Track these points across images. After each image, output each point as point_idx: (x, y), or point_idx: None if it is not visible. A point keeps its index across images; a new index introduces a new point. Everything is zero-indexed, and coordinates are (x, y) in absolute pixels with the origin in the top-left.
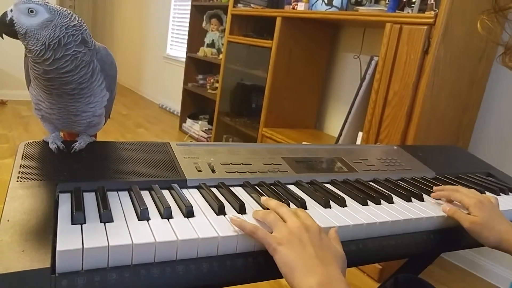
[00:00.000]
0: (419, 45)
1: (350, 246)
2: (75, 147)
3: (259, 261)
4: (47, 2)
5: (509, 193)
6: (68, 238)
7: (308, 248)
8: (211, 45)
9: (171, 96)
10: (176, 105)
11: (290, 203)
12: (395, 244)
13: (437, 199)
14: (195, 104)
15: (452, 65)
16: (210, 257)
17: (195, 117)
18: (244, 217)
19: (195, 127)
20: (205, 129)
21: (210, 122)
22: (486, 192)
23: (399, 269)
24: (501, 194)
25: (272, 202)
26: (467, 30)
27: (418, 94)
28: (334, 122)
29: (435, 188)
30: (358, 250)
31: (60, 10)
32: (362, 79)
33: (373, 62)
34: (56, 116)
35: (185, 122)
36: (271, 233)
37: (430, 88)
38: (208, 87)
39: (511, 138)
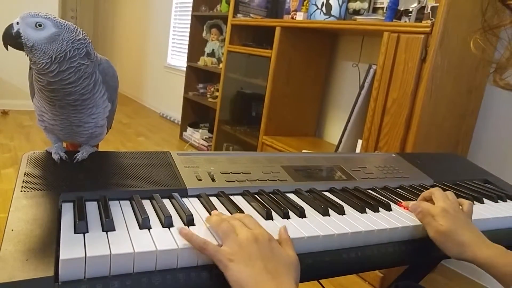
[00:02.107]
0: (416, 54)
1: (350, 253)
2: (77, 157)
3: None
4: (54, 16)
5: (507, 200)
6: (71, 247)
7: (257, 263)
8: (211, 54)
9: (172, 105)
10: (176, 114)
11: (289, 211)
12: (394, 251)
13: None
14: (195, 113)
15: (450, 73)
16: (211, 265)
17: (195, 125)
18: None
19: (196, 135)
20: (206, 138)
21: (210, 131)
22: (484, 200)
23: (400, 277)
24: (499, 201)
25: (221, 215)
26: (463, 39)
27: (416, 102)
28: (334, 130)
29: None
30: (357, 257)
31: (66, 24)
32: (361, 87)
33: (371, 71)
34: (59, 127)
35: (185, 131)
36: (221, 245)
37: (429, 96)
38: (208, 96)
39: (509, 145)
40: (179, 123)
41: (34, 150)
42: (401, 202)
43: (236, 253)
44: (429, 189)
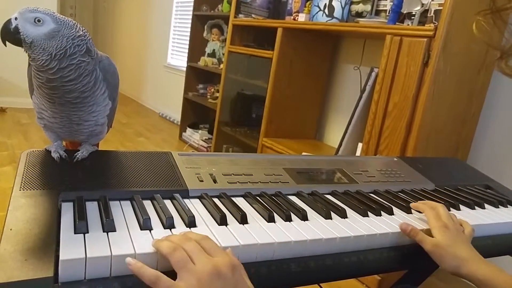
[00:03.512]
0: (419, 57)
1: (351, 257)
2: (77, 156)
3: (260, 272)
4: (53, 12)
5: (508, 206)
6: (71, 248)
7: None
8: (212, 54)
9: (171, 105)
10: (176, 114)
11: (291, 214)
12: (395, 256)
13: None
14: (195, 114)
15: (452, 77)
16: None
17: (195, 126)
18: (244, 226)
19: (195, 136)
20: (205, 139)
21: (210, 132)
22: (485, 205)
23: (399, 281)
24: (500, 206)
25: (173, 238)
26: (467, 43)
27: (418, 106)
28: (334, 133)
29: (411, 204)
30: (359, 261)
31: (66, 20)
32: (362, 91)
33: (373, 74)
34: (58, 125)
35: (185, 131)
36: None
37: (430, 100)
38: (208, 96)
39: (509, 150)
40: (179, 123)
41: (33, 148)
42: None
43: None
44: (430, 193)
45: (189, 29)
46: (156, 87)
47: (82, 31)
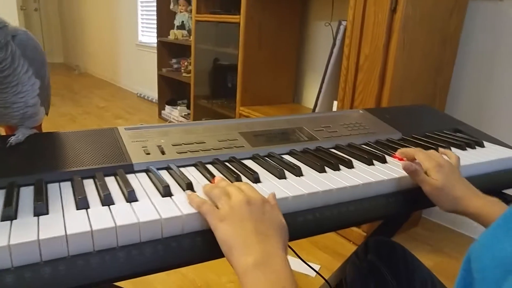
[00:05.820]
0: (386, 4)
1: (306, 215)
2: (10, 141)
3: (208, 240)
4: None
5: (476, 147)
6: None
7: (247, 223)
8: (181, 27)
9: (148, 84)
10: (153, 93)
11: (243, 177)
12: (355, 210)
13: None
14: (172, 90)
15: (422, 22)
16: (154, 240)
17: (173, 103)
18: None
19: (175, 113)
20: (185, 114)
21: (189, 107)
22: (452, 149)
23: (372, 233)
24: (467, 148)
25: (221, 183)
26: None
27: (389, 56)
28: (312, 94)
29: (398, 150)
30: (315, 219)
31: None
32: (332, 46)
33: (341, 27)
34: None
35: (164, 109)
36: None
37: (401, 49)
38: (182, 70)
39: (487, 96)
40: (157, 102)
41: None
42: (395, 154)
43: (227, 214)
44: (396, 142)
45: (155, 3)
46: (130, 67)
47: None
